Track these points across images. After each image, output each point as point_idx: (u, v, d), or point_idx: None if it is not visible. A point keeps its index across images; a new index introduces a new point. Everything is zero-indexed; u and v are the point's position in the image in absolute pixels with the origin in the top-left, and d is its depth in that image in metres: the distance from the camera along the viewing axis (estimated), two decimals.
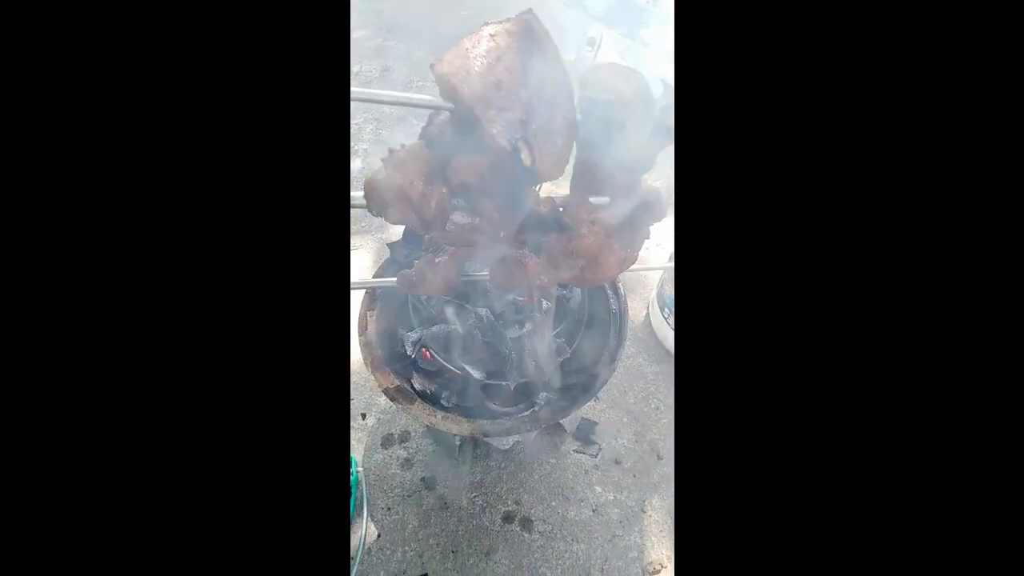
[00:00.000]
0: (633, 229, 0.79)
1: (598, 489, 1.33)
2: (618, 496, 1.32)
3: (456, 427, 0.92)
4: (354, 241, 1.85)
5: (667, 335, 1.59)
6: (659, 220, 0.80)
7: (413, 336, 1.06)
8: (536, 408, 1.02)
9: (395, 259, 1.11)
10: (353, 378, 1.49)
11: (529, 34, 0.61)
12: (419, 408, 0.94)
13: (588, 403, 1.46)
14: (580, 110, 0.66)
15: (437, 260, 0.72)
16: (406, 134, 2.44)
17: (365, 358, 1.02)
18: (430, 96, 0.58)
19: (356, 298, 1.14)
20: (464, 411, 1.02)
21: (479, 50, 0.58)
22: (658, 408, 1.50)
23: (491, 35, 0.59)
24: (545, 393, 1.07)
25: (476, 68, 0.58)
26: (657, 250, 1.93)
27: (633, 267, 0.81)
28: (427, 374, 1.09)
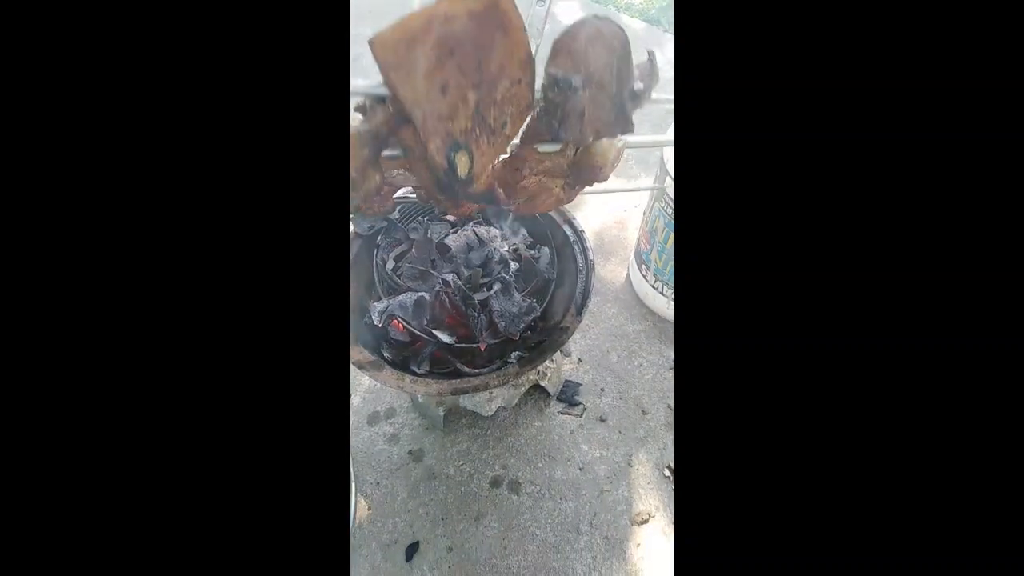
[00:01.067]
0: (574, 181, 0.79)
1: (584, 448, 1.34)
2: (604, 453, 1.33)
3: (424, 388, 0.92)
4: None
5: (646, 292, 1.58)
6: (600, 181, 0.78)
7: (380, 306, 1.06)
8: (508, 365, 1.02)
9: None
10: None
11: (493, 14, 0.53)
12: (387, 374, 0.94)
13: (570, 363, 1.46)
14: (542, 85, 0.59)
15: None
16: None
17: None
18: (365, 82, 0.52)
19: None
20: (435, 376, 1.02)
21: (429, 39, 0.49)
22: (641, 365, 1.50)
23: (446, 18, 0.50)
24: (517, 352, 1.07)
25: (421, 65, 0.50)
26: (635, 211, 1.92)
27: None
28: (398, 344, 1.09)
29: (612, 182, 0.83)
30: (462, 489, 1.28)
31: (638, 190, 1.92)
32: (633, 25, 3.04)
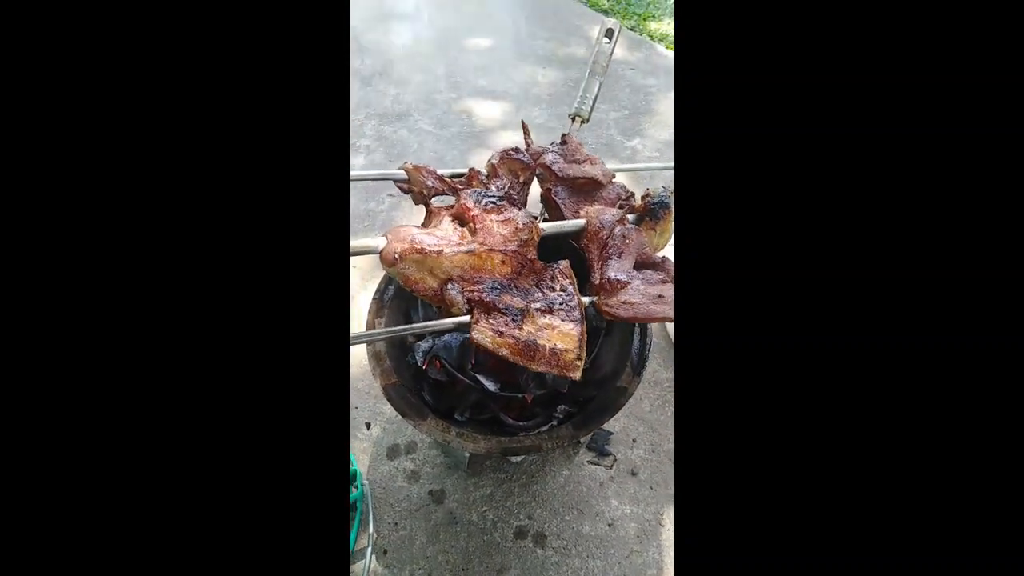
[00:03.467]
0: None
1: (614, 502, 1.28)
2: (635, 509, 1.27)
3: (472, 445, 0.86)
4: None
5: None
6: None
7: (424, 345, 1.00)
8: (555, 423, 0.97)
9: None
10: (358, 385, 1.43)
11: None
12: (432, 424, 0.88)
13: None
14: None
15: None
16: (409, 130, 2.36)
17: (373, 369, 0.95)
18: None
19: (358, 318, 1.08)
20: (478, 426, 0.96)
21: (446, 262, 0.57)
22: (675, 416, 1.44)
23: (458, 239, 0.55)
24: (563, 406, 1.02)
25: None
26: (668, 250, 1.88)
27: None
28: (438, 386, 1.03)
29: None
30: (485, 538, 1.21)
31: None
32: (668, 55, 3.03)
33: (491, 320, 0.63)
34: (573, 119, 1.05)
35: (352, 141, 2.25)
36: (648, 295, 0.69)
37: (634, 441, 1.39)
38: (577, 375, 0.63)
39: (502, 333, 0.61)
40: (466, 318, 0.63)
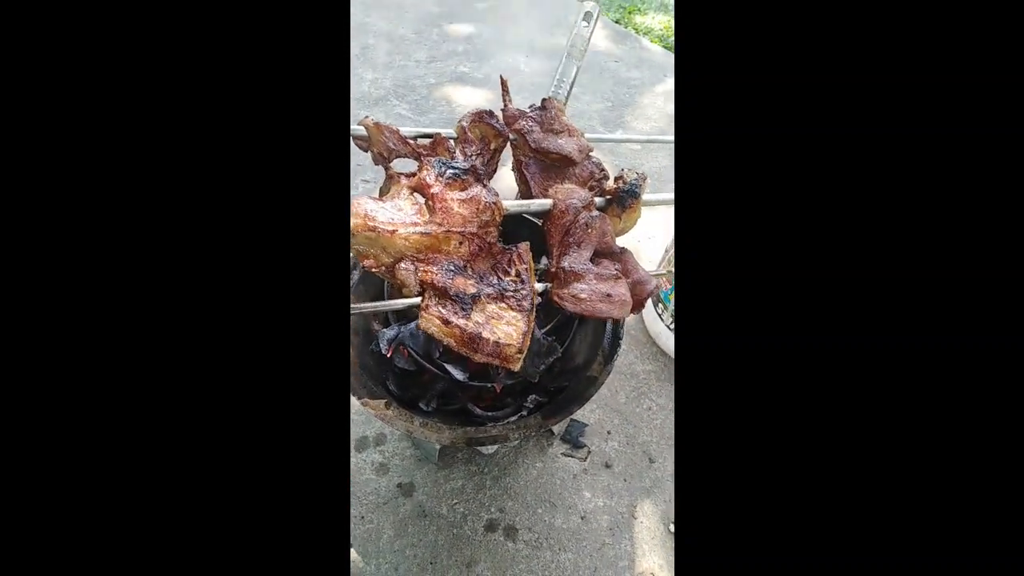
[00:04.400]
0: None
1: (587, 495, 1.26)
2: (608, 502, 1.25)
3: (436, 435, 0.82)
4: None
5: (659, 331, 1.52)
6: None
7: (389, 333, 0.96)
8: (524, 413, 0.94)
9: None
10: None
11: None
12: (395, 413, 0.85)
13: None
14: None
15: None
16: (386, 115, 2.29)
17: None
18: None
19: None
20: (446, 416, 0.93)
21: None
22: (650, 409, 1.43)
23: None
24: (533, 396, 0.99)
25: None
26: (648, 243, 1.86)
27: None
28: (404, 375, 0.99)
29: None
30: (454, 531, 1.18)
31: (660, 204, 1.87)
32: (653, 49, 3.01)
33: (441, 307, 0.60)
34: None
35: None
36: (598, 292, 0.68)
37: (609, 433, 1.37)
38: (516, 367, 0.62)
39: (449, 322, 0.59)
40: (417, 299, 0.60)
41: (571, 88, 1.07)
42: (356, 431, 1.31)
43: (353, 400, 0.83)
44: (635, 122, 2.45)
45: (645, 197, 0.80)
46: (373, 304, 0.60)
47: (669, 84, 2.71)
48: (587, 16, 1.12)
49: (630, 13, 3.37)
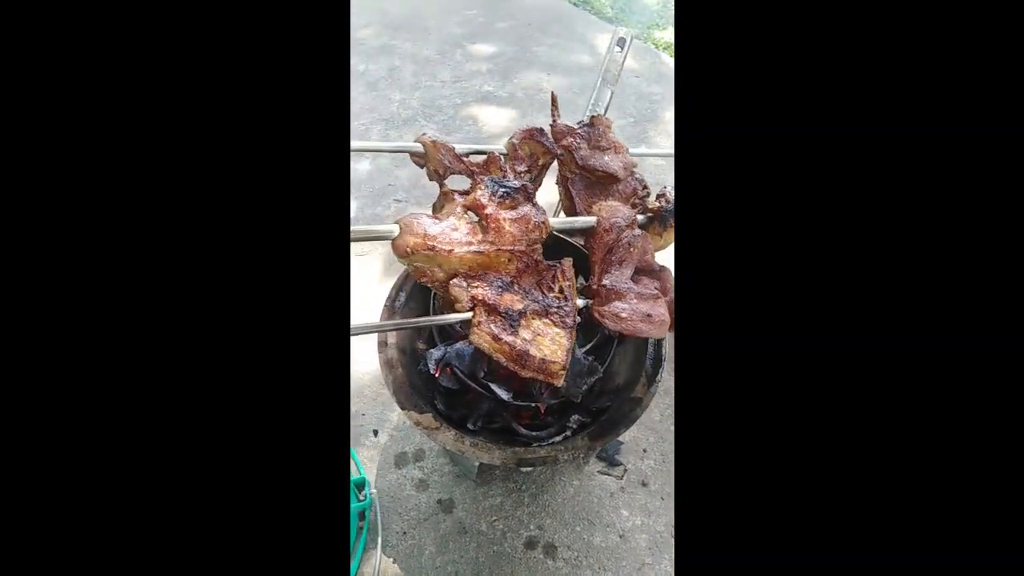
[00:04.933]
0: None
1: (624, 513, 1.26)
2: (646, 521, 1.25)
3: (487, 456, 0.85)
4: (363, 247, 1.78)
5: None
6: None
7: (436, 353, 0.99)
8: (568, 433, 0.95)
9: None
10: (366, 392, 1.42)
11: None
12: (445, 434, 0.87)
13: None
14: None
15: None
16: (414, 135, 2.36)
17: (385, 377, 0.94)
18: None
19: (375, 310, 1.07)
20: (491, 435, 0.95)
21: None
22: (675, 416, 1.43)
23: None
24: (576, 416, 1.00)
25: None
26: None
27: None
28: (449, 394, 1.02)
29: None
30: (495, 548, 1.19)
31: None
32: (672, 64, 3.04)
33: (492, 324, 0.63)
34: None
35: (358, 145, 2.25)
36: (638, 312, 0.70)
37: (644, 451, 1.37)
38: (559, 383, 0.65)
39: (499, 339, 0.62)
40: (469, 315, 0.63)
41: (606, 111, 1.10)
42: (395, 447, 1.33)
43: (403, 417, 0.86)
44: (657, 137, 2.47)
45: None
46: (429, 319, 0.63)
47: None
48: (620, 42, 1.15)
49: (650, 28, 3.41)
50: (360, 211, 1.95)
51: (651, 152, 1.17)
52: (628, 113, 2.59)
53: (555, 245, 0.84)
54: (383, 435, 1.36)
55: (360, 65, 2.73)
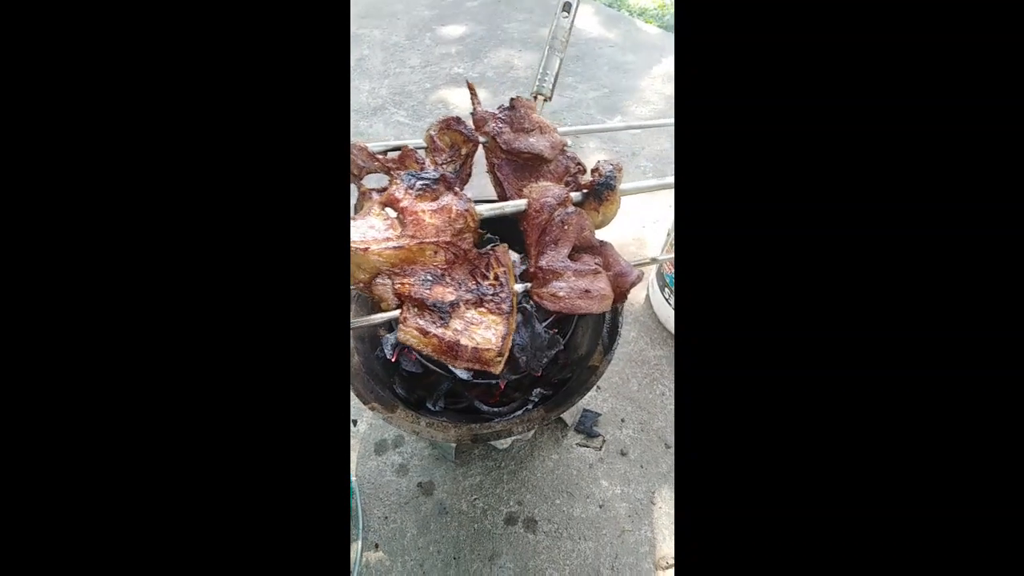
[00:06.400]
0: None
1: (604, 483, 1.27)
2: (625, 489, 1.26)
3: (443, 434, 0.85)
4: None
5: (668, 316, 1.51)
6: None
7: (392, 338, 0.99)
8: (530, 407, 0.95)
9: None
10: None
11: None
12: (401, 415, 0.87)
13: (588, 393, 1.40)
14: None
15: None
16: (385, 123, 2.31)
17: None
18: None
19: None
20: (453, 415, 0.95)
21: None
22: (663, 394, 1.43)
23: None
24: (538, 389, 1.00)
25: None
26: (654, 227, 1.85)
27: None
28: (411, 377, 1.02)
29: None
30: (475, 526, 1.21)
31: (655, 188, 1.85)
32: (648, 30, 2.96)
33: (419, 319, 0.61)
34: (535, 98, 1.02)
35: None
36: (576, 289, 0.68)
37: (623, 421, 1.37)
38: (497, 370, 0.63)
39: (427, 332, 0.60)
40: (395, 313, 0.62)
41: (555, 81, 1.07)
42: (375, 435, 1.35)
43: (362, 405, 0.86)
44: (634, 107, 2.42)
45: (633, 185, 0.80)
46: (357, 320, 0.62)
47: (667, 65, 2.67)
48: (566, 7, 1.11)
49: None
50: None
51: (623, 126, 1.13)
52: (602, 84, 2.54)
53: (510, 227, 0.82)
54: (362, 424, 1.37)
55: None
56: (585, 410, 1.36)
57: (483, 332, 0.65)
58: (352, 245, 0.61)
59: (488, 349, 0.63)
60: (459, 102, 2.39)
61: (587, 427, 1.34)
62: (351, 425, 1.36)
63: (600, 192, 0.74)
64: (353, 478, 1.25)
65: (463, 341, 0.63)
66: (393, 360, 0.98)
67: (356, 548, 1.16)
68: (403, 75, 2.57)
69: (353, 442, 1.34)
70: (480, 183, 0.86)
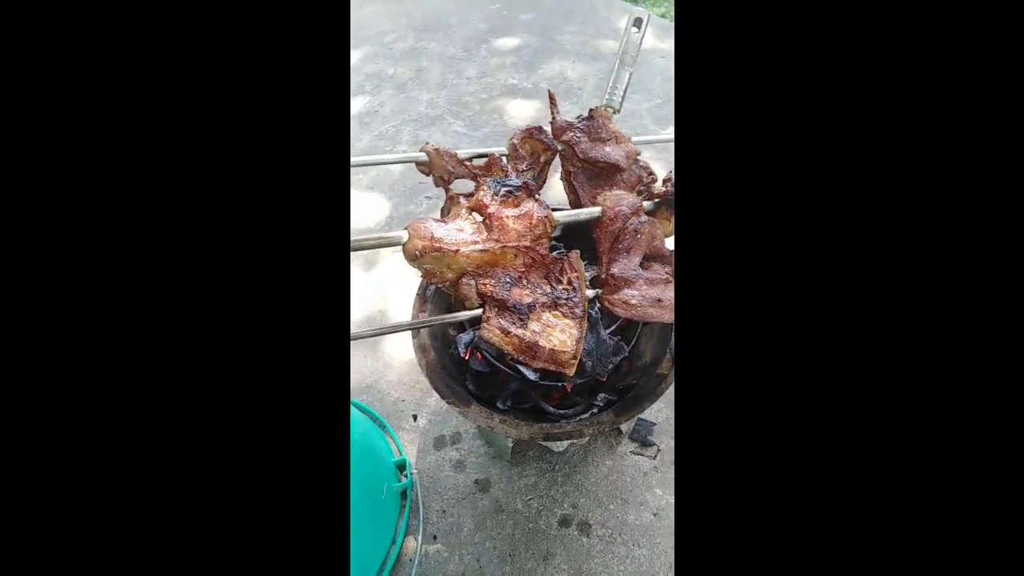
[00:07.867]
0: None
1: (658, 492, 1.27)
2: None
3: (515, 431, 0.89)
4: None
5: None
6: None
7: (465, 338, 1.04)
8: (595, 410, 0.98)
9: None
10: (404, 379, 1.49)
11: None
12: (476, 411, 0.92)
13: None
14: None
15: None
16: (443, 133, 2.40)
17: (419, 361, 1.00)
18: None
19: (407, 298, 1.13)
20: (521, 414, 0.99)
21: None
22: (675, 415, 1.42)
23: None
24: (603, 394, 1.03)
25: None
26: None
27: None
28: (479, 376, 1.06)
29: None
30: (530, 526, 1.24)
31: None
32: None
33: (500, 318, 0.66)
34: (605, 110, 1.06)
35: (390, 148, 2.34)
36: (648, 298, 0.71)
37: None
38: (571, 372, 0.66)
39: (508, 332, 0.64)
40: (479, 311, 0.66)
41: (624, 94, 1.11)
42: (434, 431, 1.40)
43: (440, 402, 0.91)
44: None
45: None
46: (441, 317, 0.67)
47: None
48: (637, 22, 1.15)
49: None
50: (395, 209, 2.04)
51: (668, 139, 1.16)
52: (655, 95, 2.55)
53: (575, 234, 0.85)
54: (422, 419, 1.43)
55: (388, 69, 2.82)
56: (640, 419, 1.37)
57: (558, 335, 0.68)
58: (443, 246, 0.67)
59: (564, 351, 0.67)
60: (514, 112, 2.46)
61: (642, 436, 1.35)
62: (412, 420, 1.42)
63: (672, 202, 0.77)
64: (413, 471, 1.31)
65: (541, 342, 0.67)
66: (465, 359, 1.03)
67: (418, 538, 1.21)
68: (460, 86, 2.66)
69: (413, 436, 1.40)
70: (551, 191, 0.90)
